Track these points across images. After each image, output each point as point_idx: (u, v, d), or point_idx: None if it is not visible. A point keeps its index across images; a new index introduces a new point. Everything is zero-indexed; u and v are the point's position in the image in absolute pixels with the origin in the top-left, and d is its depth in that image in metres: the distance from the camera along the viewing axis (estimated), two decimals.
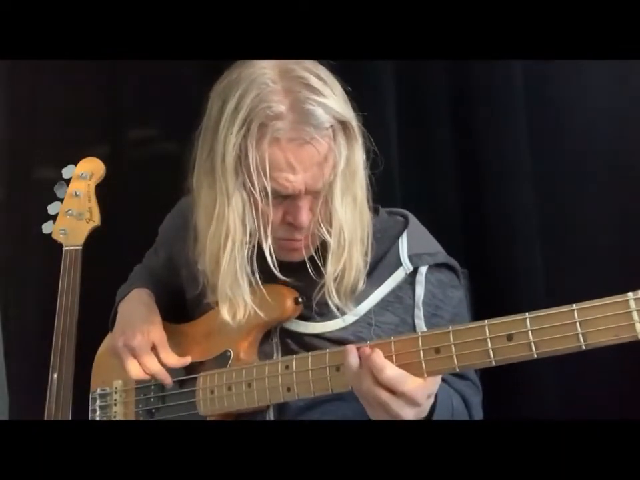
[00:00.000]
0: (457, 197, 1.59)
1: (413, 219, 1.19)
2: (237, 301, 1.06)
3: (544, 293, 1.51)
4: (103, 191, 1.47)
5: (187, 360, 1.16)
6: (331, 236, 1.03)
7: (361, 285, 1.07)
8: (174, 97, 1.69)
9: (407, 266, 1.11)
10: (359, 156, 1.04)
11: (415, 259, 1.12)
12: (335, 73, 1.03)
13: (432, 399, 0.94)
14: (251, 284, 1.06)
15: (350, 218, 1.04)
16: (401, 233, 1.15)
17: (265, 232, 1.02)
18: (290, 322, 1.13)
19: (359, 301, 1.09)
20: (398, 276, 1.11)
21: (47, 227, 1.45)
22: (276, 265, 1.04)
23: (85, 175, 1.46)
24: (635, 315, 0.78)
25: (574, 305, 0.82)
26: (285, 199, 1.01)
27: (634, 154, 1.48)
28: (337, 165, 1.00)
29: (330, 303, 1.06)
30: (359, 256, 1.06)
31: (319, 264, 1.06)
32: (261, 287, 1.06)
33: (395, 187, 1.57)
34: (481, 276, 1.38)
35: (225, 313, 1.07)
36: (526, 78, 1.52)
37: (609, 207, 1.50)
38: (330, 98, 0.99)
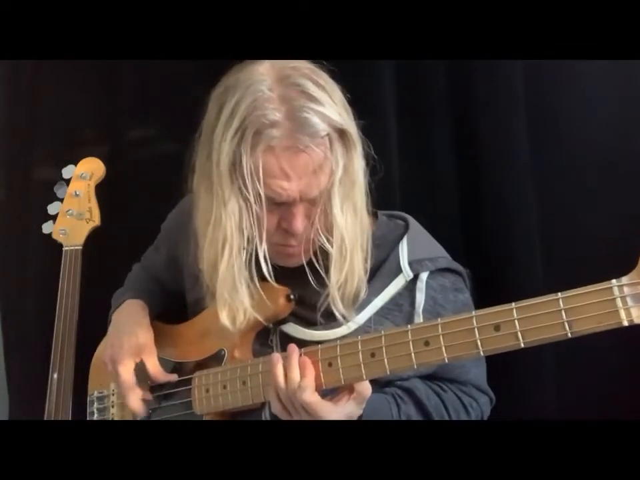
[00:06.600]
0: (457, 196, 1.59)
1: (413, 222, 1.17)
2: (236, 306, 1.06)
3: (544, 292, 1.51)
4: (103, 191, 1.47)
5: (174, 377, 1.17)
6: (331, 244, 1.03)
7: (363, 293, 1.07)
8: (174, 97, 1.69)
9: (407, 273, 1.09)
10: (358, 163, 1.02)
11: (415, 265, 1.10)
12: (335, 78, 1.02)
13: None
14: (249, 288, 1.06)
15: (351, 226, 1.03)
16: (400, 238, 1.13)
17: (260, 238, 1.02)
18: (288, 326, 1.13)
19: (360, 309, 1.08)
20: (398, 283, 1.10)
21: (47, 227, 1.45)
22: (271, 272, 1.04)
23: (84, 175, 1.47)
24: (618, 301, 0.80)
25: (559, 293, 0.83)
26: (280, 205, 1.01)
27: (634, 153, 1.48)
28: (334, 173, 0.99)
29: (336, 311, 1.05)
30: (360, 263, 1.05)
31: (319, 270, 1.05)
32: (258, 287, 1.06)
33: (395, 187, 1.57)
34: (480, 276, 1.38)
35: (224, 319, 1.07)
36: (526, 78, 1.52)
37: (609, 205, 1.50)
38: (327, 106, 0.98)
